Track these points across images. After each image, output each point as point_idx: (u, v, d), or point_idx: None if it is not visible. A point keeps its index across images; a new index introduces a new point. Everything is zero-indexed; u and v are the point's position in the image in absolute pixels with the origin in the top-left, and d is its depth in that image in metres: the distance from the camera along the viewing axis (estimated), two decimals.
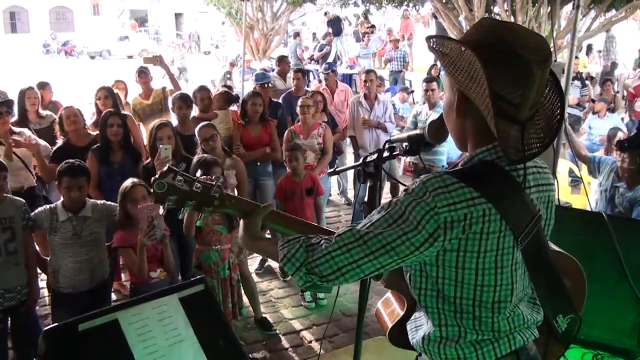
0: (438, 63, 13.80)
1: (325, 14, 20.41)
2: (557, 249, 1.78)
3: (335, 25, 19.40)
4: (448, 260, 1.46)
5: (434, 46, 1.54)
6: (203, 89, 6.31)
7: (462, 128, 1.56)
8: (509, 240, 1.47)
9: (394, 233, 1.43)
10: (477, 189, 1.41)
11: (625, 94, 11.95)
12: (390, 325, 1.92)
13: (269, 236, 1.88)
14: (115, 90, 6.40)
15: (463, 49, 1.44)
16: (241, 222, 1.82)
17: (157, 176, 1.73)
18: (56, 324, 2.10)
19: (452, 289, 1.50)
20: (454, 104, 1.53)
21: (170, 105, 6.06)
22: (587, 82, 11.75)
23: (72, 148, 4.93)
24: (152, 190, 1.74)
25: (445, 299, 1.52)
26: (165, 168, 1.75)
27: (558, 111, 1.54)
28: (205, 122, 5.04)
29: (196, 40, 36.51)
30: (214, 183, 1.77)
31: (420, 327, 1.65)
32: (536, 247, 1.54)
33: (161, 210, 3.49)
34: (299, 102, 6.12)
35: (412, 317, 1.73)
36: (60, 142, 5.27)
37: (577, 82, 10.77)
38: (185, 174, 1.74)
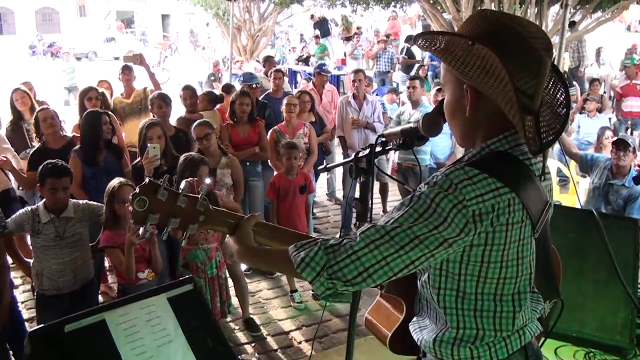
0: (425, 63, 13.82)
1: (312, 16, 20.29)
2: None
3: (323, 26, 19.38)
4: (474, 255, 1.41)
5: (427, 45, 1.50)
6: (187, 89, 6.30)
7: (474, 124, 1.49)
8: (529, 230, 1.45)
9: (423, 227, 1.36)
10: (500, 179, 1.38)
11: (612, 94, 12.04)
12: (389, 332, 1.80)
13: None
14: (101, 90, 6.35)
15: (470, 43, 1.39)
16: (230, 238, 1.72)
17: (136, 191, 1.59)
18: (42, 325, 2.06)
19: (473, 285, 1.45)
20: (463, 101, 1.46)
21: (149, 105, 5.90)
22: (574, 82, 11.83)
23: (49, 151, 4.76)
24: (131, 209, 1.59)
25: (466, 297, 1.47)
26: (146, 181, 1.62)
27: (562, 97, 1.51)
28: (201, 120, 5.02)
29: (196, 39, 35.95)
30: (199, 196, 1.64)
31: (425, 327, 1.61)
32: (544, 235, 1.54)
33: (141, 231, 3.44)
34: (285, 101, 6.10)
35: (414, 319, 1.68)
36: (35, 145, 5.21)
37: None
38: (169, 188, 1.61)
